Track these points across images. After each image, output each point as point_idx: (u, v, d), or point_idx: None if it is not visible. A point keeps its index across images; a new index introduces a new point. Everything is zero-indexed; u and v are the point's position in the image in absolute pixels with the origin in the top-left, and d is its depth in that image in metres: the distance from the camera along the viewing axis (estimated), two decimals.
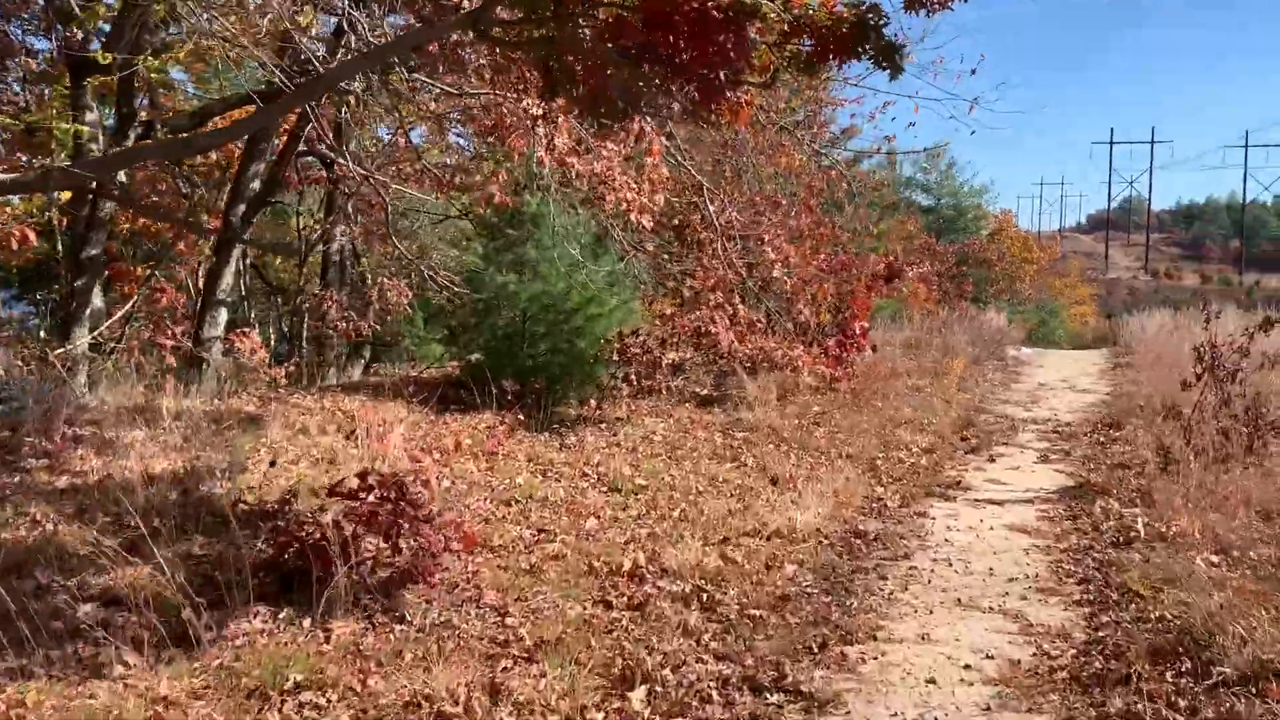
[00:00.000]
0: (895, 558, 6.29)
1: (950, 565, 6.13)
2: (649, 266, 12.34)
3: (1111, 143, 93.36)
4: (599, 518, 7.05)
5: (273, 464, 7.25)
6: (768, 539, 6.54)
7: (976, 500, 8.23)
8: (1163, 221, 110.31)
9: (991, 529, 7.22)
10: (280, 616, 4.85)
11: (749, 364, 12.13)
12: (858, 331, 14.24)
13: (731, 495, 7.84)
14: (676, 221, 12.38)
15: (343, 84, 9.14)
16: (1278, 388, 9.46)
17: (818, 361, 12.58)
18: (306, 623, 4.78)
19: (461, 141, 14.88)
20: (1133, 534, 6.32)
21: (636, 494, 7.82)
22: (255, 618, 4.80)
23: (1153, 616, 5.01)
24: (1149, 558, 5.80)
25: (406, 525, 5.25)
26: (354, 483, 5.36)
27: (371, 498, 5.21)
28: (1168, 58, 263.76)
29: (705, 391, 12.73)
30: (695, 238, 12.28)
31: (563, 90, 4.72)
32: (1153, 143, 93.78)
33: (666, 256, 12.36)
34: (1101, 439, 10.77)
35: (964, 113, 10.30)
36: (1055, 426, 11.84)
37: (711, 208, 10.31)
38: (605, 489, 7.97)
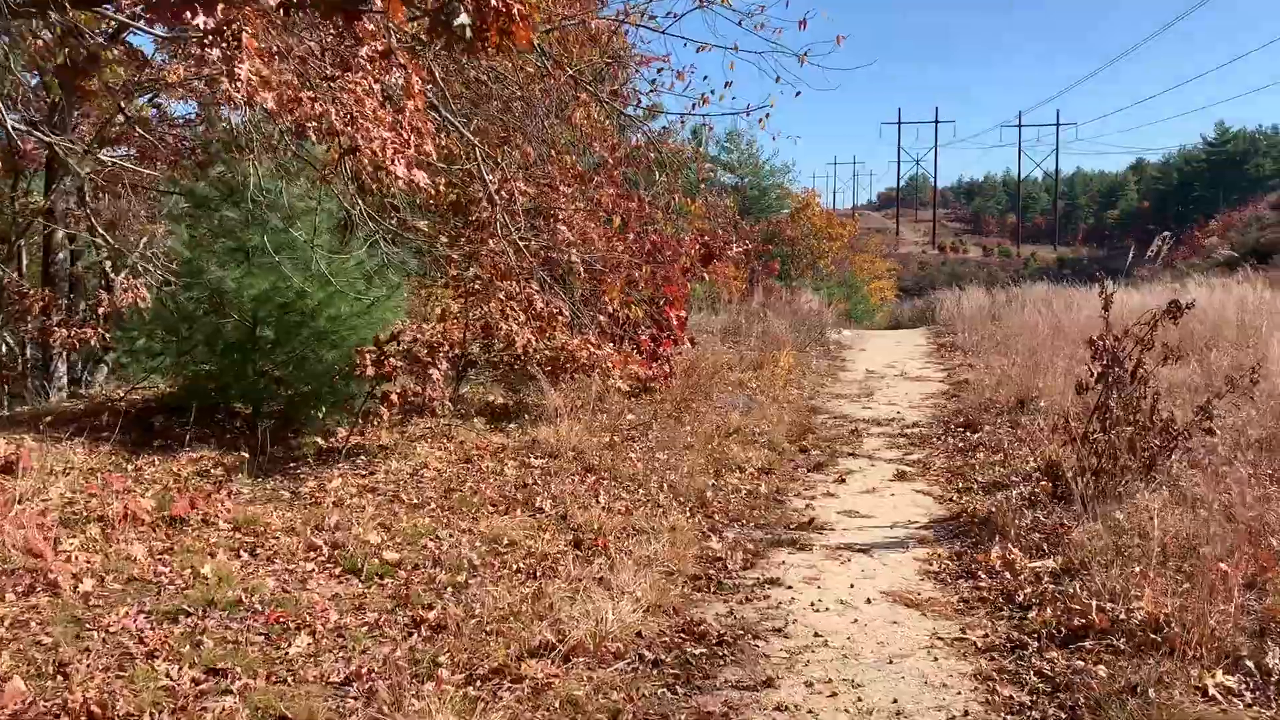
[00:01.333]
0: (754, 684, 4.15)
1: (834, 695, 4.04)
2: (423, 252, 9.84)
3: (899, 122, 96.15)
4: (315, 633, 4.62)
5: None
6: (565, 659, 4.28)
7: (838, 548, 6.26)
8: (946, 198, 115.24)
9: (870, 601, 5.23)
10: None
11: (550, 367, 9.86)
12: (675, 323, 12.22)
13: (519, 571, 5.54)
14: (455, 196, 9.92)
15: None
16: (1177, 387, 7.99)
17: (630, 361, 10.45)
18: None
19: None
20: (1077, 620, 4.43)
21: (383, 578, 5.42)
22: None
23: None
24: (1125, 677, 3.87)
25: None
26: None
27: None
28: (949, 40, 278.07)
29: (501, 400, 10.40)
30: (480, 216, 9.86)
31: None
32: (936, 122, 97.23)
33: (445, 240, 9.88)
34: (959, 443, 9.11)
35: (791, 68, 8.11)
36: (902, 428, 10.15)
37: (490, 177, 7.95)
38: (339, 570, 5.53)
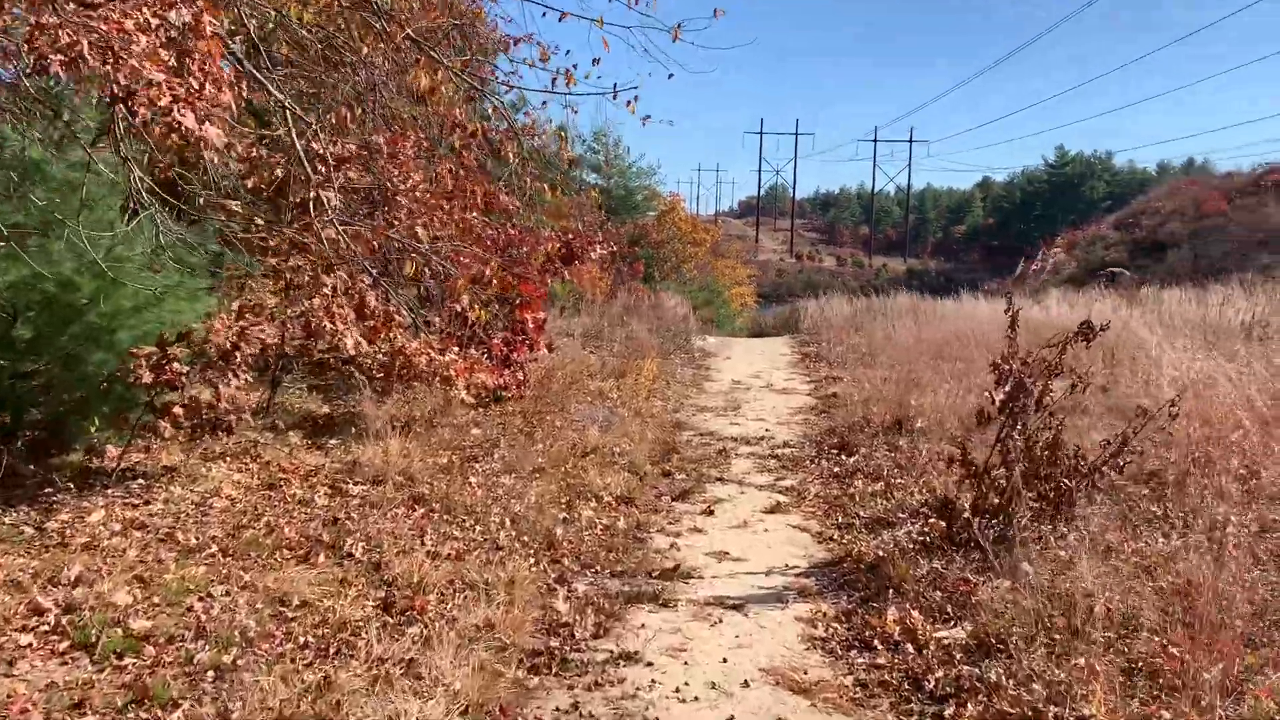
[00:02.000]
0: None
1: None
2: (235, 238, 8.36)
3: (761, 133, 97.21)
4: None
5: None
6: None
7: (707, 604, 5.23)
8: (804, 209, 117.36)
9: (748, 684, 4.21)
10: None
11: (384, 374, 8.54)
12: (531, 326, 11.03)
13: (307, 646, 4.29)
14: (282, 173, 8.47)
15: None
16: (1069, 413, 7.32)
17: (479, 368, 9.22)
18: None
19: None
20: None
21: (123, 657, 4.09)
22: None
23: None
24: None
25: None
26: None
27: None
28: (810, 56, 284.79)
29: (325, 411, 9.03)
30: (303, 195, 8.44)
31: None
32: (797, 134, 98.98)
33: (261, 223, 8.42)
34: (835, 468, 8.25)
35: (664, 45, 6.93)
36: (773, 448, 9.25)
37: (308, 144, 6.59)
38: (66, 646, 4.17)
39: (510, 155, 8.33)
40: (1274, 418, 7.40)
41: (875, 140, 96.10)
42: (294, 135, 6.43)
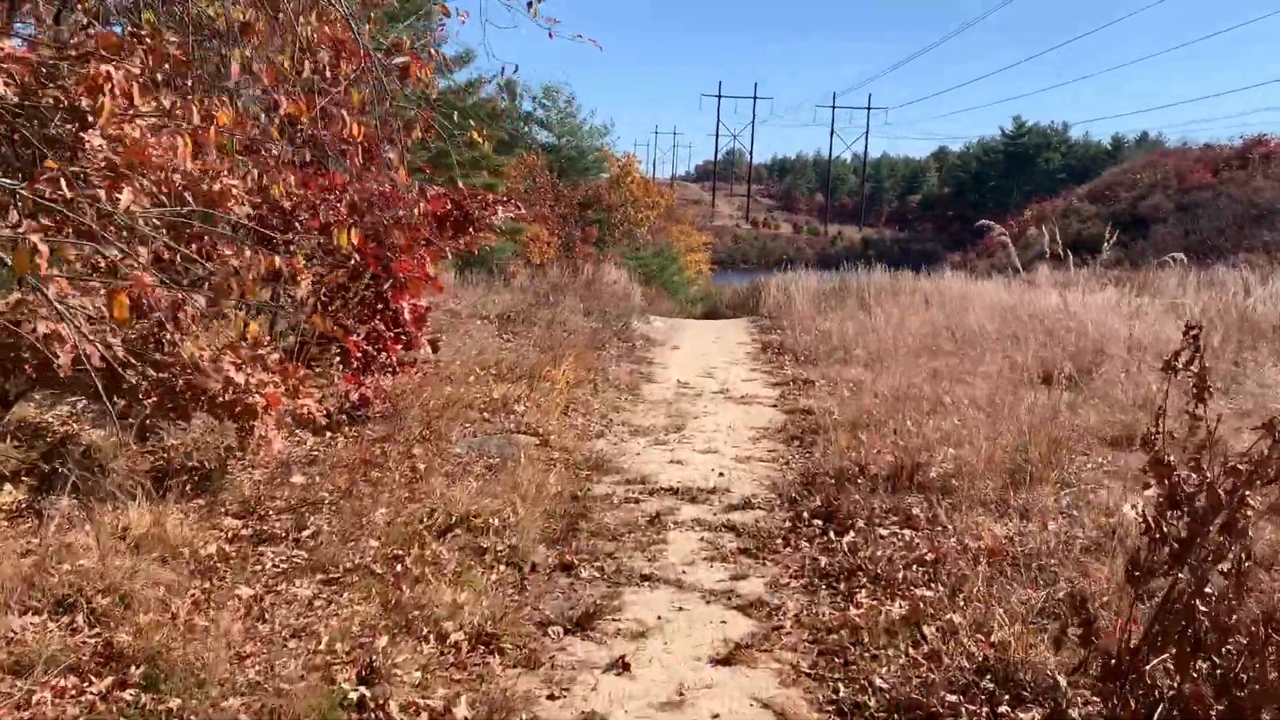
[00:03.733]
0: None
1: None
2: None
3: (719, 96, 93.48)
4: None
5: None
6: None
7: None
8: (761, 174, 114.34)
9: None
10: None
11: (157, 400, 5.49)
12: (409, 316, 8.02)
13: None
14: None
15: None
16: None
17: (304, 391, 6.14)
18: None
19: None
20: None
21: None
22: None
23: None
24: None
25: None
26: None
27: None
28: (771, 13, 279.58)
29: (39, 460, 5.97)
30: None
31: None
32: (755, 98, 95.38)
33: None
34: (821, 557, 5.33)
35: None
36: (728, 508, 6.32)
37: None
38: None
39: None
40: None
41: (834, 107, 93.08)
42: None
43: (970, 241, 46.41)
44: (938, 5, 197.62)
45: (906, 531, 5.53)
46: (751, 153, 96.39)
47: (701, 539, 5.71)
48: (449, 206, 8.27)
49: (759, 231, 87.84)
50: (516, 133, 38.02)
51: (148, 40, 4.37)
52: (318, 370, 7.60)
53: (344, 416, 7.41)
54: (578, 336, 12.06)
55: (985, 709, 3.49)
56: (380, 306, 7.84)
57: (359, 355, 7.50)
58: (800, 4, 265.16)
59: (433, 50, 7.23)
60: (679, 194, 57.63)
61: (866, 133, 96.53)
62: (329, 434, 7.01)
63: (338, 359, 7.61)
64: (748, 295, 21.22)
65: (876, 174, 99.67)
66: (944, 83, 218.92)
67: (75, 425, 6.21)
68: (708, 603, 4.80)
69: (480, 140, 8.09)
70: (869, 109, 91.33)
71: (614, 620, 4.56)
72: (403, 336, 8.02)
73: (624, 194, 36.48)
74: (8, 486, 5.37)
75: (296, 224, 7.20)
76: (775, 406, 9.59)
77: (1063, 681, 3.35)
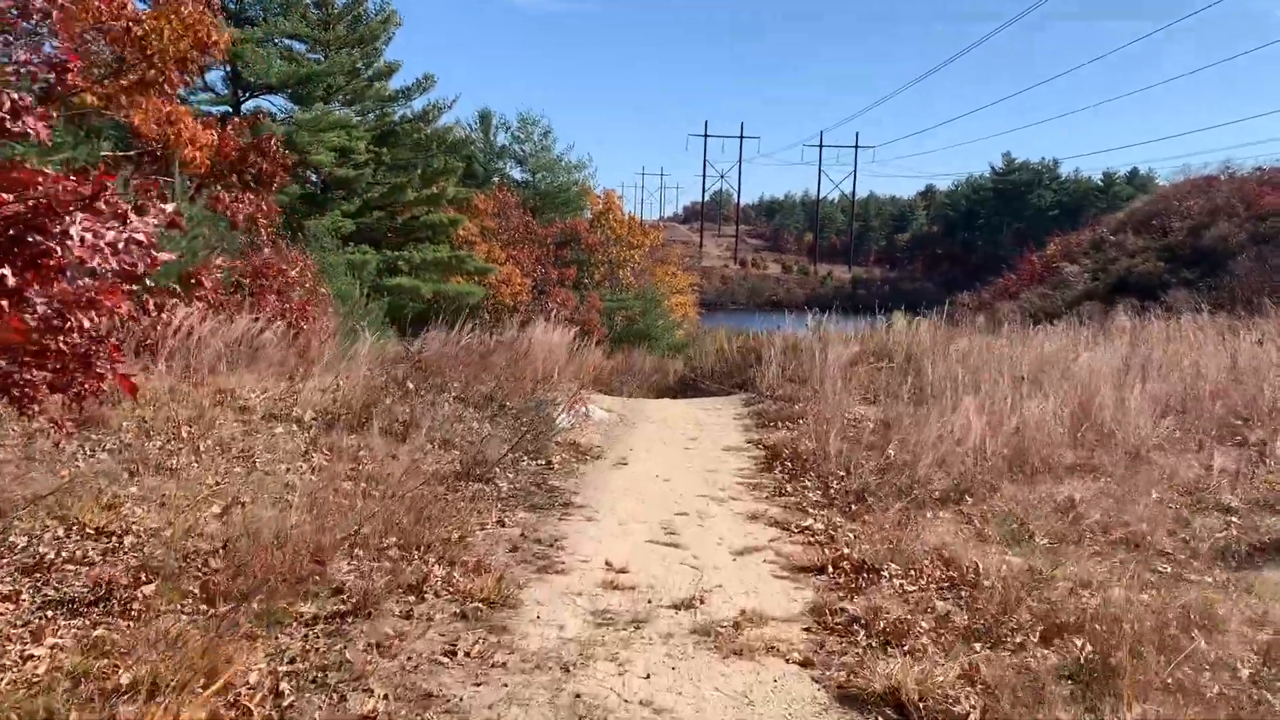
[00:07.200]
0: None
1: None
2: None
3: (706, 135, 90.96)
4: None
5: None
6: None
7: None
8: (748, 215, 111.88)
9: None
10: None
11: None
12: None
13: None
14: None
15: None
16: None
17: None
18: None
19: None
20: None
21: None
22: None
23: None
24: None
25: None
26: None
27: None
28: (758, 59, 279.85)
29: None
30: None
31: None
32: (741, 138, 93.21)
33: None
34: None
35: None
36: None
37: None
38: None
39: None
40: None
41: (820, 145, 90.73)
42: None
43: (967, 281, 43.24)
44: (925, 40, 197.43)
45: None
46: (739, 192, 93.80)
47: None
48: None
49: (747, 272, 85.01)
50: (487, 168, 35.21)
51: None
52: None
53: None
54: (430, 461, 6.99)
55: None
56: None
57: None
58: (786, 46, 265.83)
59: None
60: (666, 234, 54.54)
61: (855, 171, 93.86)
62: None
63: None
64: (739, 361, 15.07)
65: (865, 213, 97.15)
66: (931, 119, 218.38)
67: None
68: None
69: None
70: (856, 147, 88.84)
71: None
72: None
73: (606, 232, 33.50)
74: None
75: None
76: (817, 662, 4.11)
77: None
